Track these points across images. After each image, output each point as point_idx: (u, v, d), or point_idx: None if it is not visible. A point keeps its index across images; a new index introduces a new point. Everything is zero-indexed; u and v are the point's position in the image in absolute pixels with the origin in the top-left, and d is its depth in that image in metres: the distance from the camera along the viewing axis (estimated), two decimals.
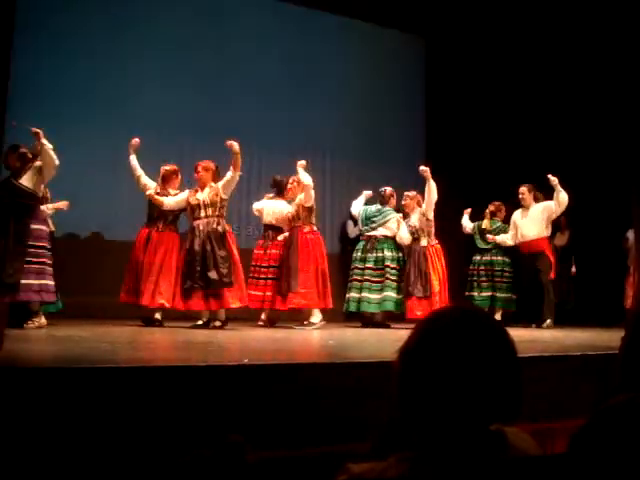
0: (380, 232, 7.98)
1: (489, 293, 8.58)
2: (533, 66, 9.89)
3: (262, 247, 7.66)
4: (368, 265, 7.89)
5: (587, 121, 9.49)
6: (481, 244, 8.75)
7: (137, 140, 7.13)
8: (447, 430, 1.25)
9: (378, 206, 8.10)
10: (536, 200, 8.41)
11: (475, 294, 8.61)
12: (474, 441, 1.24)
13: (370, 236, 8.00)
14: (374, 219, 8.03)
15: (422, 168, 7.85)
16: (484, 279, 8.63)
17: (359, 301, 7.85)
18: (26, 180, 6.17)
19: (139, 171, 7.18)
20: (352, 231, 9.71)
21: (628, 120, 8.47)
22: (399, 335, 6.18)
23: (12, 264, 5.97)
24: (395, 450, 1.26)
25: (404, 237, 8.01)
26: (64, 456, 2.59)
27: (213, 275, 6.66)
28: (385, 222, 8.01)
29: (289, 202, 7.73)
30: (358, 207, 8.29)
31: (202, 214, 6.86)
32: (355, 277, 7.95)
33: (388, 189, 8.16)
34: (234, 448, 1.80)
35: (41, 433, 2.61)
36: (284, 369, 3.36)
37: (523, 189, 8.41)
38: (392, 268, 7.90)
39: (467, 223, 8.90)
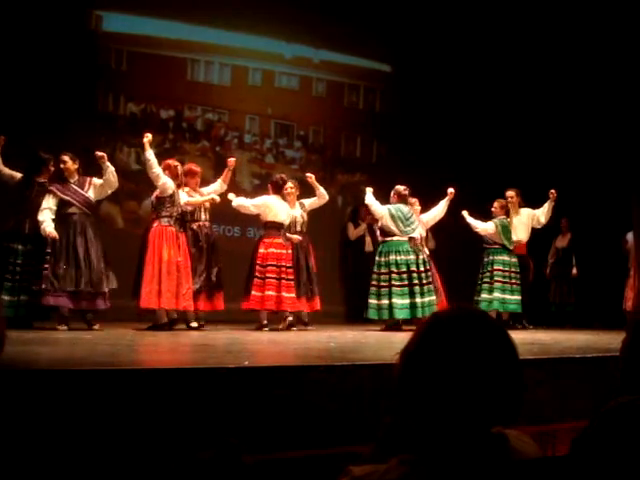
0: (417, 233, 7.70)
1: (519, 297, 8.20)
2: (533, 68, 9.89)
3: (284, 246, 7.29)
4: (421, 269, 7.59)
5: (588, 123, 9.48)
6: (509, 244, 8.31)
7: (150, 135, 6.84)
8: (448, 432, 1.24)
9: (407, 207, 7.79)
10: (519, 205, 8.43)
11: (507, 297, 8.15)
12: (476, 443, 1.24)
13: (413, 238, 7.64)
14: (412, 219, 7.71)
15: (450, 190, 7.90)
16: (516, 282, 8.24)
17: (422, 306, 7.49)
18: (92, 194, 6.58)
19: (159, 168, 6.78)
20: (353, 234, 9.69)
21: (628, 123, 8.47)
22: (400, 337, 6.18)
23: (106, 273, 6.51)
24: (396, 452, 1.26)
25: None
26: (63, 457, 2.58)
27: (214, 278, 7.02)
28: (419, 223, 7.82)
29: None
30: (380, 205, 7.77)
31: (202, 217, 7.10)
32: (415, 282, 7.50)
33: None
34: (231, 450, 1.80)
35: (40, 435, 2.61)
36: (285, 371, 3.36)
37: (512, 193, 8.39)
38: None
39: (478, 223, 8.33)
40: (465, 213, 8.33)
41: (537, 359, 4.08)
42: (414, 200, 8.16)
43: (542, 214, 8.31)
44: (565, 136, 9.72)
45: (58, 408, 2.68)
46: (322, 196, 7.67)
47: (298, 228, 7.62)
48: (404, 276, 7.53)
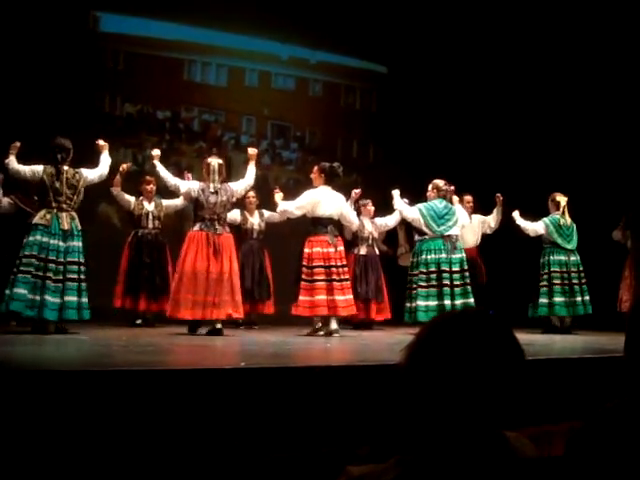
0: (454, 231, 7.17)
1: (579, 298, 7.87)
2: (533, 65, 9.90)
3: (330, 244, 6.59)
4: (454, 269, 7.03)
5: (589, 125, 9.48)
6: (567, 244, 7.91)
7: (158, 152, 6.70)
8: (450, 432, 1.25)
9: (444, 202, 7.25)
10: (473, 210, 8.37)
11: (578, 299, 7.84)
12: (476, 444, 1.24)
13: (448, 236, 7.10)
14: (448, 216, 7.16)
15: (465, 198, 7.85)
16: (578, 282, 7.89)
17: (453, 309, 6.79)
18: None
19: (173, 179, 6.59)
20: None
21: (629, 129, 8.51)
22: (397, 339, 6.18)
23: None
24: (395, 453, 1.27)
25: None
26: (61, 457, 2.59)
27: None
28: (457, 220, 7.26)
29: None
30: (410, 208, 7.30)
31: None
32: (445, 283, 6.95)
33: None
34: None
35: (40, 435, 2.61)
36: (281, 372, 3.37)
37: (470, 198, 8.24)
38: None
39: (527, 224, 7.89)
40: (516, 214, 7.96)
41: (532, 360, 4.09)
42: (468, 198, 8.08)
43: (492, 219, 8.23)
44: (562, 140, 9.72)
45: (57, 408, 2.69)
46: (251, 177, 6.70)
47: (255, 235, 7.78)
48: (432, 276, 7.00)
